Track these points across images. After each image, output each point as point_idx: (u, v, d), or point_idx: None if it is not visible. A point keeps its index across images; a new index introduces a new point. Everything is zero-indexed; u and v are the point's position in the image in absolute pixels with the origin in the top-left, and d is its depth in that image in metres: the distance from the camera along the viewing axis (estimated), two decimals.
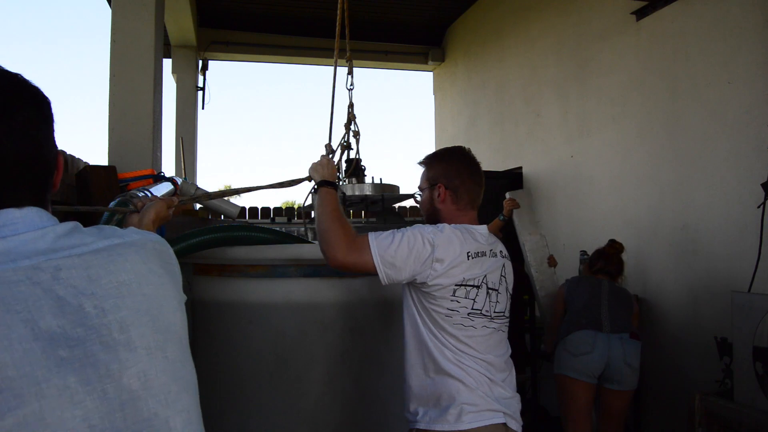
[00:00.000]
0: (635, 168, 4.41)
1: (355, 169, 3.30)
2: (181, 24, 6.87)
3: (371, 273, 1.78)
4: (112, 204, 2.09)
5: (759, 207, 3.15)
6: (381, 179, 3.21)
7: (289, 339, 2.32)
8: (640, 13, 4.36)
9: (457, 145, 2.11)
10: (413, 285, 1.83)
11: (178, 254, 2.29)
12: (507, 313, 1.95)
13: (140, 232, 0.98)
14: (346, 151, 3.27)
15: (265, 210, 7.34)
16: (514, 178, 6.27)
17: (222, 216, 3.53)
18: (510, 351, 1.97)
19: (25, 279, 0.78)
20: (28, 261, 0.80)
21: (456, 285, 1.79)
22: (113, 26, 3.57)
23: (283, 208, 6.99)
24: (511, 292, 1.99)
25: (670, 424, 3.96)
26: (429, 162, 2.03)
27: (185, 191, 3.15)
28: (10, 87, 0.87)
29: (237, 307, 2.42)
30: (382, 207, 3.05)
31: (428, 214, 2.02)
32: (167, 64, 7.43)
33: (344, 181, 3.24)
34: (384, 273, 1.76)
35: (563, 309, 3.63)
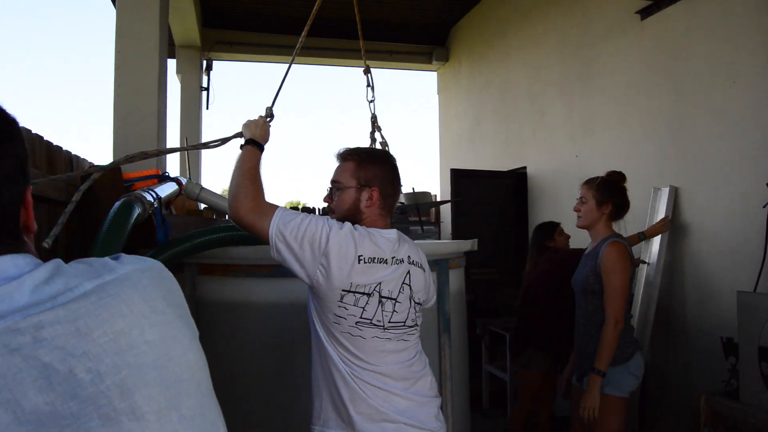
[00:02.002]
0: (640, 168, 4.40)
1: None
2: (186, 24, 6.89)
3: (264, 240, 1.74)
4: (117, 204, 2.10)
5: (764, 207, 3.14)
6: (413, 188, 3.08)
7: (293, 338, 2.32)
8: (645, 13, 4.35)
9: (374, 148, 2.02)
10: (310, 288, 1.77)
11: (183, 254, 2.31)
12: (410, 323, 1.84)
13: (135, 260, 0.83)
14: None
15: None
16: (518, 178, 6.27)
17: (227, 216, 3.52)
18: (419, 357, 1.88)
19: None
20: (2, 322, 0.65)
21: (343, 290, 1.71)
22: (118, 27, 3.58)
23: (287, 207, 6.99)
24: (418, 300, 1.88)
25: (676, 425, 3.95)
26: (361, 161, 1.89)
27: (190, 191, 3.15)
28: None
29: (241, 306, 2.42)
30: (418, 216, 2.86)
31: (347, 213, 1.88)
32: (171, 64, 7.44)
33: None
34: (275, 244, 1.71)
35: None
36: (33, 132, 2.27)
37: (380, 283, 1.76)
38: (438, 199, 8.49)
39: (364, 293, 1.73)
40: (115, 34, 3.57)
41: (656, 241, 4.04)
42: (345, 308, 1.72)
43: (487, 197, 6.13)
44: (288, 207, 1.95)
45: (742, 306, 2.77)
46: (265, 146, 1.97)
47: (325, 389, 1.78)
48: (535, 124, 6.06)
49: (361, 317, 1.73)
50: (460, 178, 6.12)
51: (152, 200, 2.41)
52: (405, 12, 7.84)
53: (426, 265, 1.95)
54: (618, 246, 2.73)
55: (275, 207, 1.76)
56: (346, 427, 1.74)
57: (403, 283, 1.82)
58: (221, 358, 2.46)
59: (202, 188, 3.20)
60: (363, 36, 3.20)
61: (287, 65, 2.57)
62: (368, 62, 3.17)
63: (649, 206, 4.14)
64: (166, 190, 2.79)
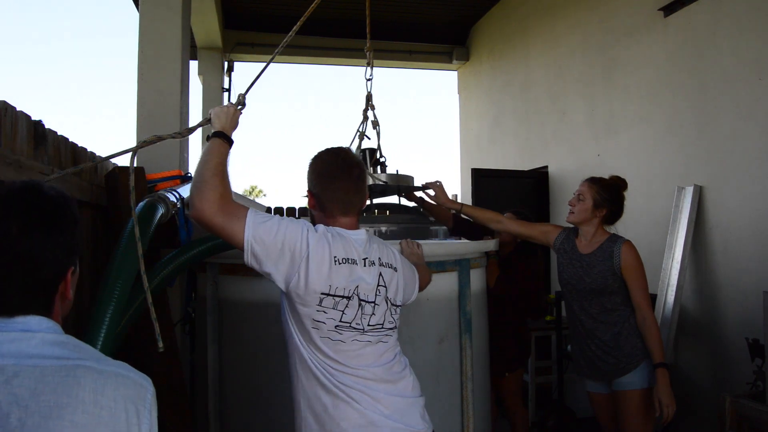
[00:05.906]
0: (663, 166, 4.35)
1: (375, 160, 3.24)
2: (207, 26, 6.94)
3: (235, 244, 1.66)
4: (141, 204, 2.12)
5: None
6: (397, 170, 3.14)
7: None
8: (668, 10, 4.29)
9: (341, 146, 1.94)
10: (285, 294, 1.74)
11: (205, 254, 2.32)
12: (388, 324, 1.82)
13: (128, 369, 0.98)
14: (361, 141, 3.19)
15: (291, 210, 7.39)
16: (539, 178, 6.23)
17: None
18: (398, 358, 1.86)
19: None
20: (1, 360, 0.87)
21: (322, 294, 1.68)
22: (141, 29, 3.62)
23: (309, 208, 7.02)
24: (395, 301, 1.87)
25: (700, 427, 3.90)
26: (308, 166, 1.91)
27: None
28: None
29: (263, 306, 2.43)
30: (398, 198, 2.96)
31: (311, 217, 1.94)
32: (193, 65, 7.50)
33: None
34: (251, 248, 1.64)
35: None
36: (59, 134, 2.31)
37: (358, 286, 1.74)
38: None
39: (343, 296, 1.71)
40: (138, 36, 3.61)
41: (680, 241, 3.99)
42: (324, 312, 1.70)
43: (509, 197, 6.10)
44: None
45: None
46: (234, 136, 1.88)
47: (304, 402, 1.74)
48: (556, 123, 6.02)
49: (340, 321, 1.71)
50: (480, 178, 6.10)
51: (175, 200, 2.43)
52: (425, 12, 7.82)
53: (399, 264, 1.92)
54: (632, 245, 2.80)
55: (244, 208, 1.67)
56: None
57: (378, 285, 1.81)
58: (244, 356, 2.47)
59: None
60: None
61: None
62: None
63: (673, 205, 4.09)
64: (188, 190, 2.82)
